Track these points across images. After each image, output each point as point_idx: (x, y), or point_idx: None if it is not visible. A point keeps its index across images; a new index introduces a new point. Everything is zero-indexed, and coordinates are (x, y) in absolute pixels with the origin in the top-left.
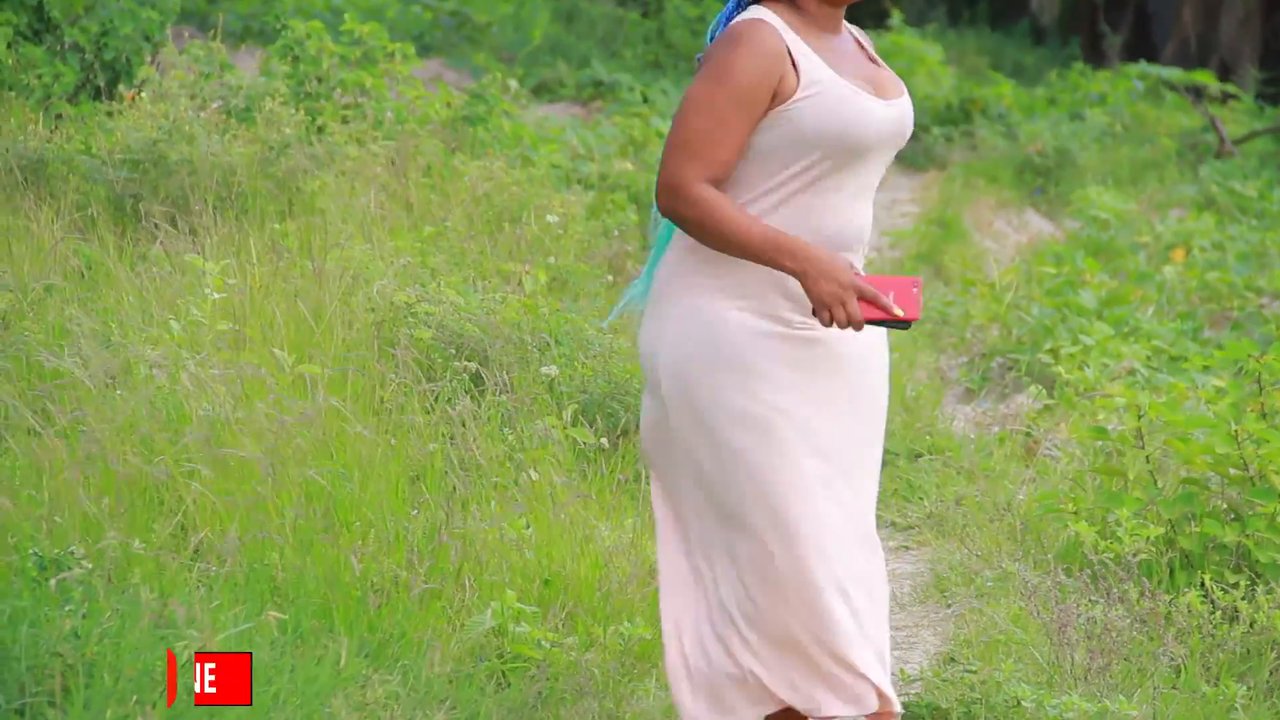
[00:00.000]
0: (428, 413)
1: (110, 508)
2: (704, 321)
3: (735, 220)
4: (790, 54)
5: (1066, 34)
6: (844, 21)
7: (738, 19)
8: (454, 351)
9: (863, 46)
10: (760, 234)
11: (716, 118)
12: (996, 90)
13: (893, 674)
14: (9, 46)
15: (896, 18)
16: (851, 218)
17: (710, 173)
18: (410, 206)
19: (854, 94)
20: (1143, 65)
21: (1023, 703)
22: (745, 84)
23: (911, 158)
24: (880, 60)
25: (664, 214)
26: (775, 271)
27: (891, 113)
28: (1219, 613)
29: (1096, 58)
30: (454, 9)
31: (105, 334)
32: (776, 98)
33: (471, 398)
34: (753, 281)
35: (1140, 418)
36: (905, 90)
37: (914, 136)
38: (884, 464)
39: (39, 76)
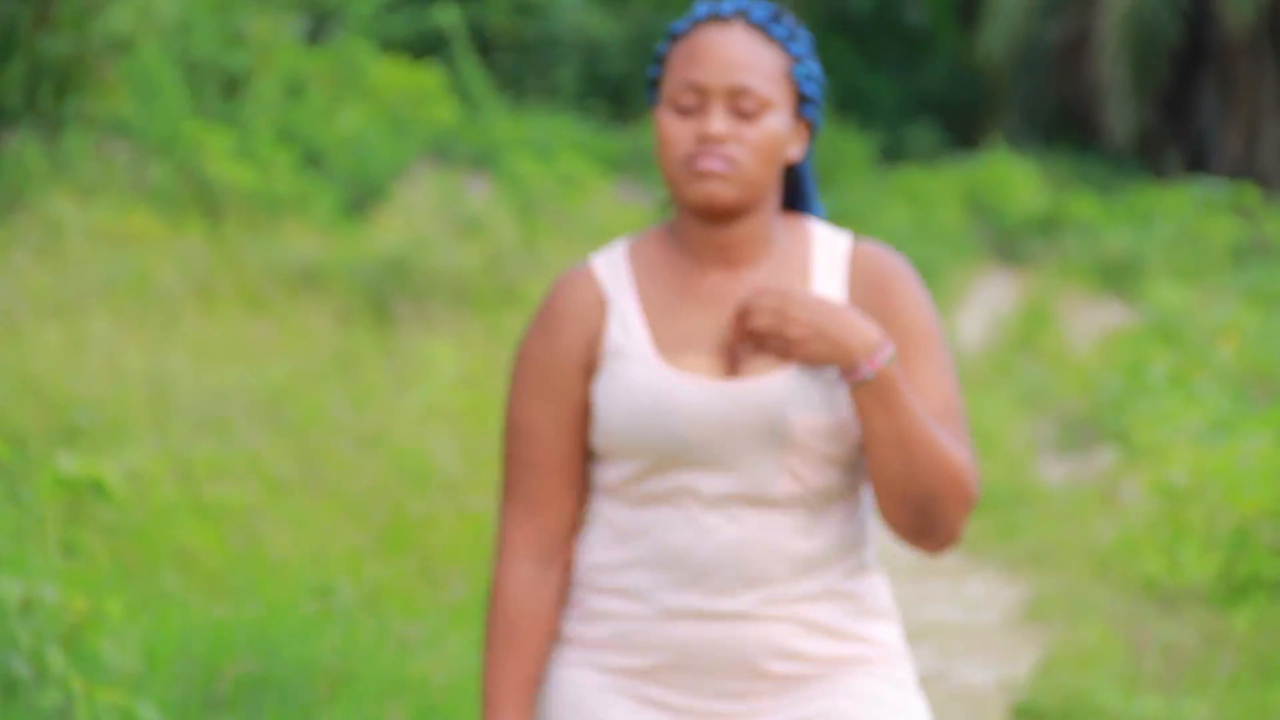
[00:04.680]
0: None
1: (369, 548)
2: None
3: (489, 649)
4: (606, 309)
5: (1137, 157)
6: (812, 234)
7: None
8: None
9: (811, 275)
10: (486, 686)
11: (519, 424)
12: (1080, 203)
13: (1002, 681)
14: (289, 176)
15: (998, 145)
16: (717, 544)
17: (533, 521)
18: None
19: (658, 372)
20: (1200, 181)
21: (1109, 706)
22: (536, 369)
23: (1011, 258)
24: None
25: None
26: None
27: (722, 397)
28: (1268, 631)
29: (1162, 176)
30: (642, 144)
31: (360, 408)
32: (590, 371)
33: None
34: None
35: (1202, 473)
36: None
37: (1011, 238)
38: (990, 509)
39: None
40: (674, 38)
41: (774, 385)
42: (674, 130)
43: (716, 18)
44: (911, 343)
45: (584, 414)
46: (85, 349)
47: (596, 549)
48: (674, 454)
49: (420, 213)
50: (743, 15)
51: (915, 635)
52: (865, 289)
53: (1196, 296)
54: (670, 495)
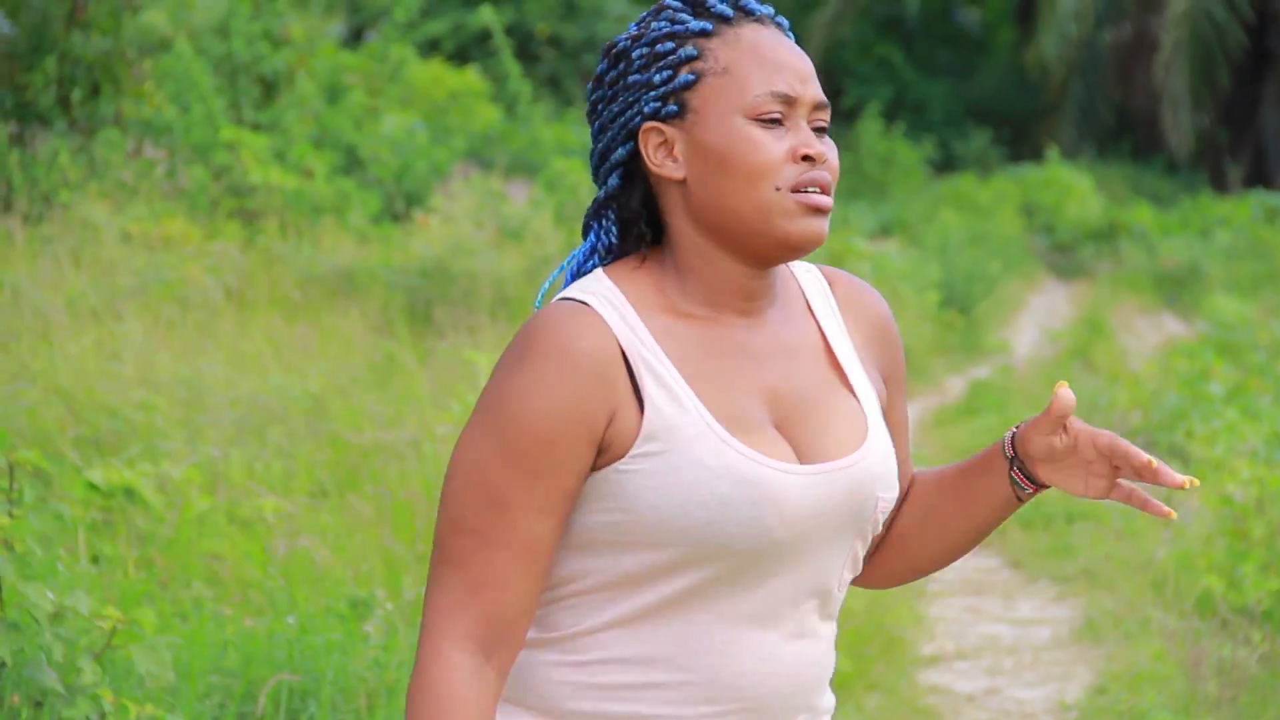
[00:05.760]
0: None
1: (409, 556)
2: None
3: None
4: (629, 365)
5: (1196, 166)
6: (792, 273)
7: (559, 295)
8: None
9: (815, 317)
10: None
11: (490, 494)
12: (1137, 213)
13: (1054, 701)
14: (327, 180)
15: (1053, 153)
16: (772, 655)
17: (477, 605)
18: None
19: (741, 456)
20: (1260, 192)
21: None
22: (533, 435)
23: (1066, 269)
24: (846, 344)
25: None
26: None
27: (817, 483)
28: None
29: (1221, 186)
30: None
31: (398, 415)
32: (605, 449)
33: None
34: None
35: (1263, 488)
36: (869, 430)
37: (1068, 250)
38: (1044, 526)
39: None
40: (703, 35)
41: (862, 464)
42: (771, 149)
43: (750, 15)
44: (900, 377)
45: (576, 493)
46: (119, 355)
47: (598, 670)
48: (752, 556)
49: (460, 218)
50: (770, 18)
51: (966, 653)
52: (866, 328)
53: (1256, 309)
54: (708, 606)
